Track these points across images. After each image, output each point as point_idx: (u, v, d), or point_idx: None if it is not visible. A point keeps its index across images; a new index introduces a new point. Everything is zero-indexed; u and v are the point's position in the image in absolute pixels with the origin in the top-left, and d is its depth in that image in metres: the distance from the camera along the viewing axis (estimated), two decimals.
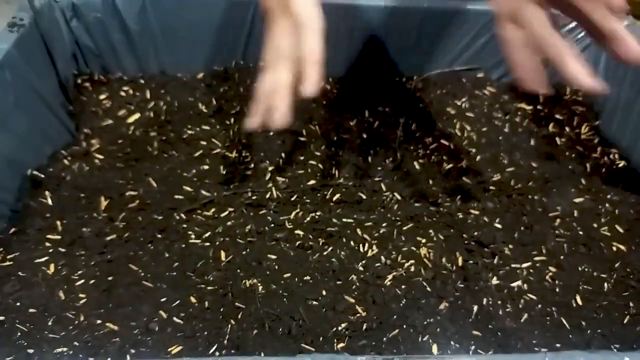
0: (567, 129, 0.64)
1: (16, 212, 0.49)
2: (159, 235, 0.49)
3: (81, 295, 0.43)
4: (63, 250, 0.47)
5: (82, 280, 0.45)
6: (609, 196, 0.56)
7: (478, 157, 0.60)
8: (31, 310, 0.42)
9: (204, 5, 0.62)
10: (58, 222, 0.49)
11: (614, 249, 0.50)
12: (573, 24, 0.64)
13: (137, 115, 0.62)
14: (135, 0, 0.60)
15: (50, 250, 0.47)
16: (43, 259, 0.46)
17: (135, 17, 0.61)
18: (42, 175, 0.53)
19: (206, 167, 0.56)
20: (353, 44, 0.65)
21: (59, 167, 0.54)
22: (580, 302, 0.46)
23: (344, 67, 0.67)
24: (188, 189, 0.54)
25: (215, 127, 0.61)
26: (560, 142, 0.63)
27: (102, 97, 0.63)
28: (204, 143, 0.59)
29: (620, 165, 0.60)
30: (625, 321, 0.45)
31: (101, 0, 0.60)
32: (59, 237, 0.48)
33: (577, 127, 0.65)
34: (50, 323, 0.41)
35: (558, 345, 0.43)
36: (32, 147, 0.53)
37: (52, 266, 0.45)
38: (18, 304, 0.42)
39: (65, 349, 0.39)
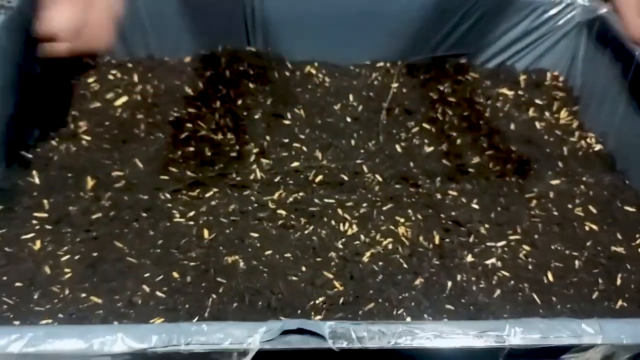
0: (546, 113, 0.66)
1: (4, 191, 0.50)
2: (144, 214, 0.50)
3: (66, 270, 0.45)
4: (49, 227, 0.48)
5: (68, 256, 0.46)
6: (584, 178, 0.57)
7: (458, 141, 0.61)
8: (17, 284, 0.43)
9: None
10: (45, 201, 0.50)
11: (587, 228, 0.52)
12: None
13: (124, 98, 0.63)
14: None
15: (37, 228, 0.48)
16: (29, 235, 0.47)
17: (124, 2, 0.62)
18: (30, 156, 0.54)
19: (192, 148, 0.57)
20: (337, 29, 0.66)
21: (47, 147, 0.55)
22: (551, 279, 0.47)
23: (328, 53, 0.68)
24: (173, 169, 0.55)
25: (201, 110, 0.62)
26: (540, 127, 0.64)
27: (90, 80, 0.64)
28: (189, 125, 0.60)
29: (597, 149, 0.61)
30: (593, 297, 0.46)
31: None
32: (45, 215, 0.49)
33: (556, 112, 0.66)
34: (36, 296, 0.43)
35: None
36: (20, 127, 0.54)
37: (38, 242, 0.47)
38: (5, 278, 0.44)
39: (50, 321, 0.41)
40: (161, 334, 0.29)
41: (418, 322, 0.32)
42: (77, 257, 0.46)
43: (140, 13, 0.64)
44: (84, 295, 0.43)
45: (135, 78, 0.65)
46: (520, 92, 0.68)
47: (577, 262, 0.49)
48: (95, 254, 0.46)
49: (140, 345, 0.29)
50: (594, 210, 0.54)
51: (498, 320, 0.32)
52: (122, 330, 0.29)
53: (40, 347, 0.29)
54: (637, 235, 0.51)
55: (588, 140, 0.62)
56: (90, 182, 0.53)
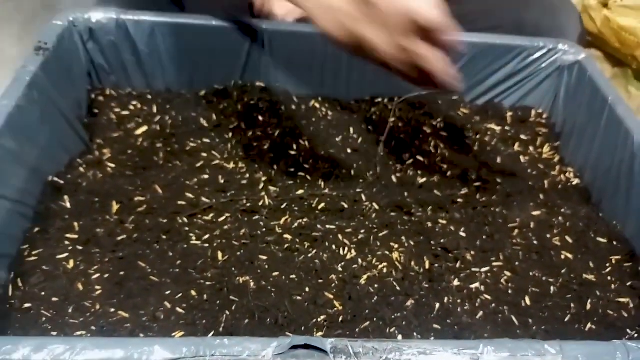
0: (530, 148, 0.72)
1: (39, 214, 0.56)
2: (164, 237, 0.56)
3: (97, 287, 0.50)
4: (80, 248, 0.54)
5: (98, 275, 0.51)
6: (562, 210, 0.63)
7: (449, 173, 0.67)
8: (54, 299, 0.49)
9: (206, 31, 0.69)
10: (75, 223, 0.56)
11: (563, 257, 0.58)
12: None
13: (144, 128, 0.68)
14: (145, 25, 0.67)
15: (70, 248, 0.53)
16: (63, 255, 0.53)
17: (145, 40, 0.68)
18: (62, 182, 0.60)
19: (206, 176, 0.63)
20: (340, 67, 0.73)
21: (76, 174, 0.61)
22: (529, 303, 0.53)
23: (331, 88, 0.74)
24: (190, 195, 0.61)
25: (215, 141, 0.68)
26: (524, 161, 0.70)
27: (113, 110, 0.70)
28: (204, 155, 0.66)
29: (575, 183, 0.67)
30: (565, 319, 0.52)
31: (115, 25, 0.67)
32: (76, 236, 0.55)
33: (539, 146, 0.72)
34: (70, 310, 0.48)
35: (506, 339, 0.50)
36: (52, 156, 0.60)
37: (71, 262, 0.52)
38: (43, 293, 0.49)
39: (84, 332, 0.46)
40: (190, 347, 0.35)
41: (407, 340, 0.38)
42: (105, 276, 0.51)
43: (160, 50, 0.70)
44: (112, 310, 0.48)
45: (155, 109, 0.71)
46: (507, 128, 0.74)
47: (552, 288, 0.54)
48: (121, 273, 0.52)
49: (172, 355, 0.34)
50: (570, 240, 0.59)
51: (474, 340, 0.38)
52: (158, 343, 0.35)
53: (88, 356, 0.34)
54: (607, 264, 0.57)
55: (567, 174, 0.68)
56: (115, 206, 0.58)
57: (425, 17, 0.44)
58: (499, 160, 0.69)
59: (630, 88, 0.90)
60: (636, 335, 0.51)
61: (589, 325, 0.51)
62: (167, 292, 0.50)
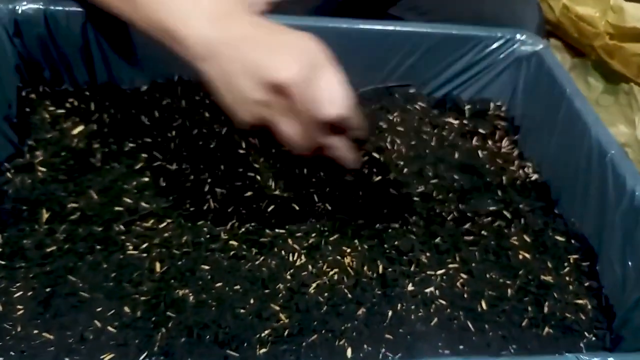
0: (489, 142, 0.69)
1: None
2: (98, 247, 0.52)
3: (19, 307, 0.46)
4: (3, 262, 0.49)
5: (21, 292, 0.47)
6: (520, 206, 0.61)
7: (405, 170, 0.64)
8: None
9: None
10: None
11: (520, 257, 0.56)
12: None
13: (81, 127, 0.64)
14: (77, 16, 0.62)
15: None
16: None
17: (78, 33, 0.63)
18: None
19: (146, 179, 0.59)
20: None
21: (1, 180, 0.56)
22: (485, 307, 0.51)
23: None
24: (128, 200, 0.56)
25: (157, 140, 0.63)
26: (482, 155, 0.68)
27: (47, 109, 0.65)
28: (144, 155, 0.61)
29: (533, 178, 0.65)
30: (523, 324, 0.50)
31: (43, 17, 0.62)
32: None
33: (498, 140, 0.70)
34: None
35: (461, 347, 0.48)
36: None
37: None
38: None
39: (1, 359, 0.42)
40: None
41: None
42: (29, 294, 0.47)
43: (95, 44, 0.65)
44: (36, 331, 0.44)
45: (92, 107, 0.66)
46: (465, 121, 0.71)
47: (509, 290, 0.52)
48: (48, 289, 0.47)
49: None
50: (528, 239, 0.57)
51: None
52: None
53: None
54: (565, 264, 0.55)
55: (526, 169, 0.66)
56: (45, 215, 0.54)
57: (339, 115, 0.43)
58: (456, 155, 0.67)
59: (589, 79, 0.88)
60: (593, 339, 0.49)
61: (546, 329, 0.49)
62: (98, 309, 0.47)
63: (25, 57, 0.64)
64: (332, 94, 0.42)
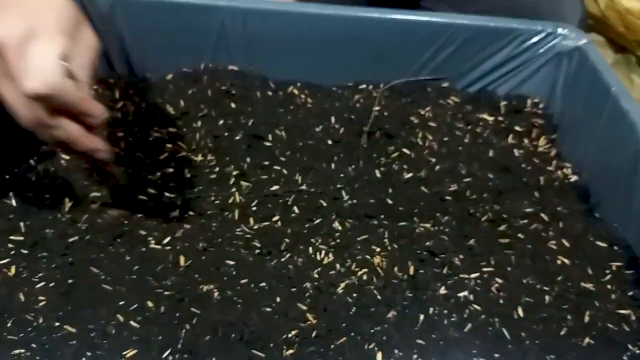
0: (525, 140, 0.66)
1: None
2: (119, 239, 0.50)
3: (41, 298, 0.45)
4: (25, 252, 0.48)
5: (43, 283, 0.46)
6: (558, 209, 0.58)
7: (437, 167, 0.62)
8: None
9: (172, 8, 0.63)
10: (21, 224, 0.50)
11: (559, 262, 0.53)
12: None
13: (105, 116, 0.62)
14: (102, 4, 0.61)
15: (12, 252, 0.48)
16: (5, 261, 0.47)
17: (103, 20, 0.62)
18: (7, 176, 0.54)
19: (171, 169, 0.57)
20: (321, 51, 0.67)
21: (25, 168, 0.55)
22: (521, 314, 0.48)
23: (311, 73, 0.68)
24: (152, 191, 0.55)
25: (182, 130, 0.62)
26: (518, 154, 0.65)
27: None
28: (169, 145, 0.60)
29: (572, 180, 0.62)
30: (561, 333, 0.47)
31: None
32: (21, 238, 0.49)
33: (535, 139, 0.67)
34: (9, 324, 0.43)
35: (496, 355, 0.45)
36: None
37: (13, 268, 0.46)
38: None
39: (22, 351, 0.41)
40: None
41: None
42: (52, 285, 0.46)
43: (121, 30, 0.64)
44: (57, 324, 0.43)
45: (117, 95, 0.65)
46: (500, 118, 0.68)
47: (547, 297, 0.50)
48: (70, 281, 0.46)
49: None
50: (567, 244, 0.55)
51: None
52: None
53: None
54: (607, 271, 0.52)
55: (564, 170, 0.63)
56: (67, 204, 0.53)
57: (37, 91, 0.38)
58: (491, 153, 0.64)
59: (633, 76, 0.84)
60: (637, 351, 0.46)
61: (586, 339, 0.47)
62: (121, 303, 0.45)
63: None
64: (37, 66, 0.37)
